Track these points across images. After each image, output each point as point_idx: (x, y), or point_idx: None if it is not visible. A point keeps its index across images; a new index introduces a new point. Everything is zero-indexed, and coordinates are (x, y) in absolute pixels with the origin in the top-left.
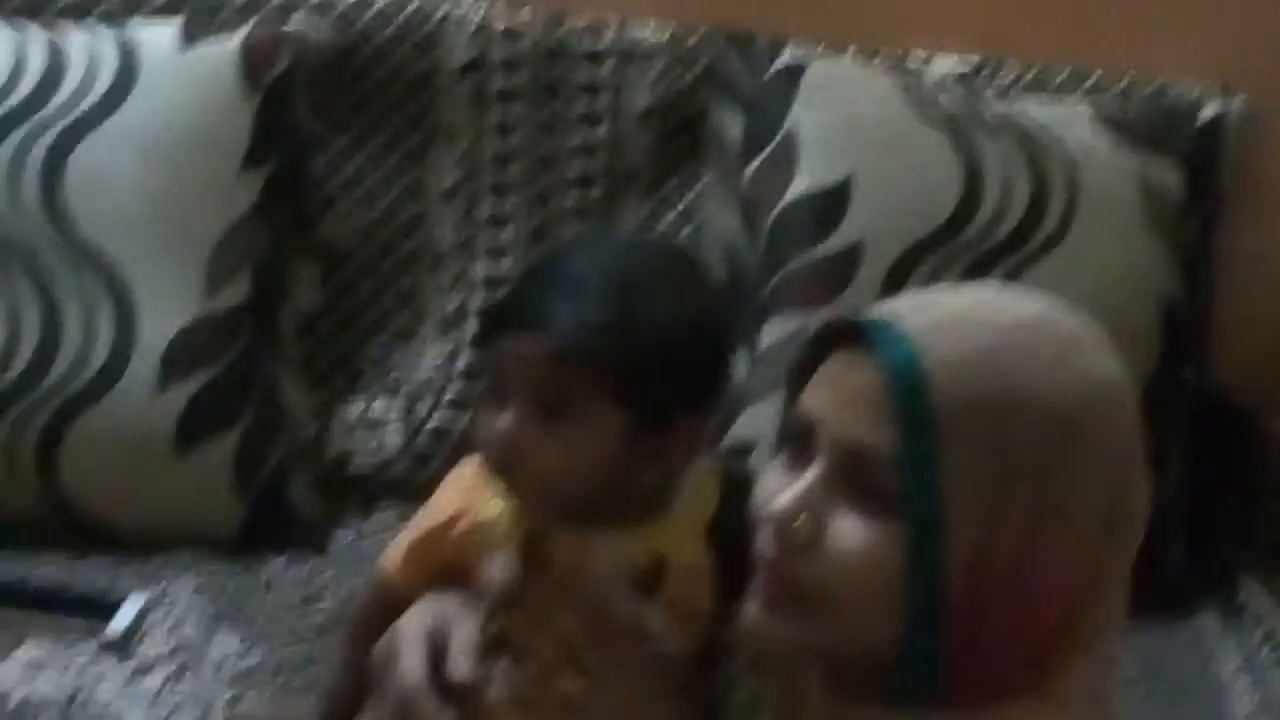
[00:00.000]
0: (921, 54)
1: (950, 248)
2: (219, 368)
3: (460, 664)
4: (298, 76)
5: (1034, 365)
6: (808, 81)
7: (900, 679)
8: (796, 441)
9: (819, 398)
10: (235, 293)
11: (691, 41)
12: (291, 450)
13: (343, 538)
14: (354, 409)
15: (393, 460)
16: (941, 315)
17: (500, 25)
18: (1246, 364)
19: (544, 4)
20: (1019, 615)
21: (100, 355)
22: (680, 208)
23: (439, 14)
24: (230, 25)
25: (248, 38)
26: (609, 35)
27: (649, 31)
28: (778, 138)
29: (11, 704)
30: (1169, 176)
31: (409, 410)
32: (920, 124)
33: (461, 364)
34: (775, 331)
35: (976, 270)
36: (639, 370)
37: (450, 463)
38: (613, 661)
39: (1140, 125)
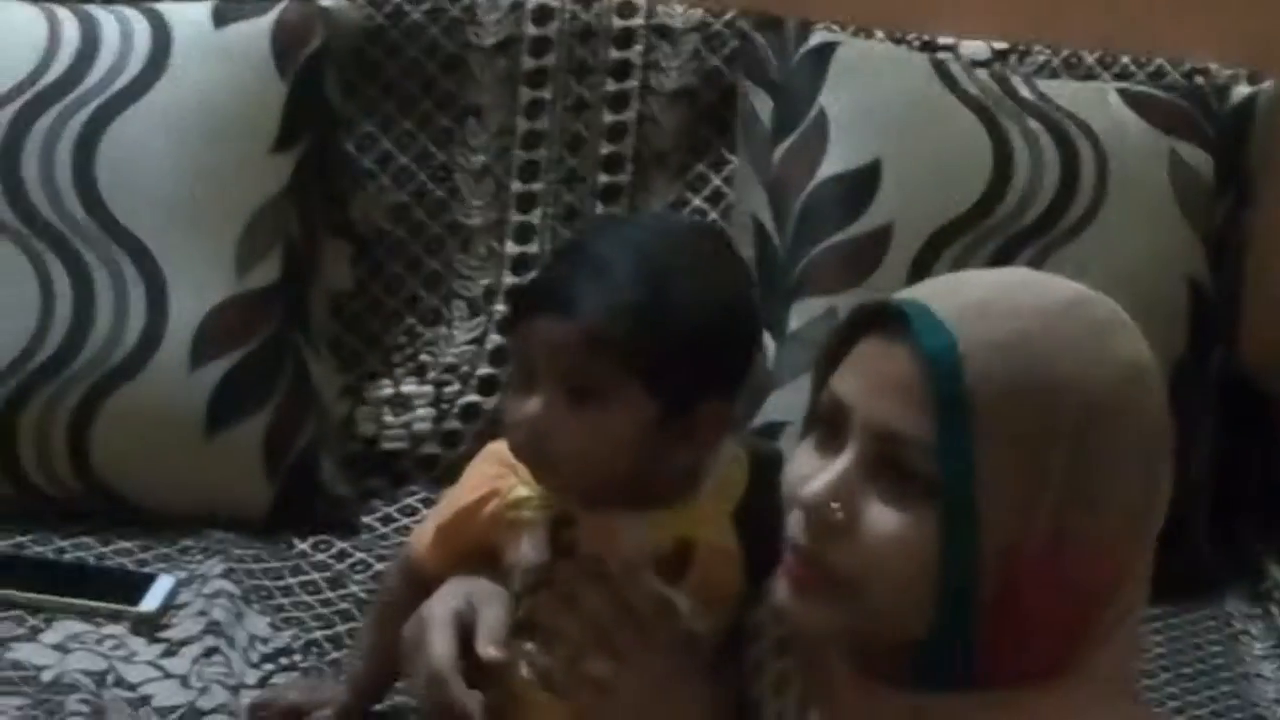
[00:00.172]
0: (950, 36)
1: (979, 230)
2: (249, 348)
3: (488, 646)
4: (329, 56)
5: (1068, 350)
6: (837, 63)
7: (930, 662)
8: (827, 425)
9: (852, 383)
10: (266, 272)
11: (721, 23)
12: (321, 430)
13: (372, 518)
14: (384, 389)
15: (422, 440)
16: (974, 300)
17: (531, 5)
18: (1275, 347)
19: None
20: (1050, 599)
21: (131, 335)
22: (709, 189)
23: None
24: (262, 5)
25: (280, 17)
26: (639, 16)
27: (679, 13)
28: (807, 119)
29: (42, 683)
30: (1198, 159)
31: (438, 391)
32: (950, 106)
33: (491, 344)
34: (804, 313)
35: (1005, 253)
36: (667, 354)
37: (480, 443)
38: (640, 643)
39: (1169, 108)
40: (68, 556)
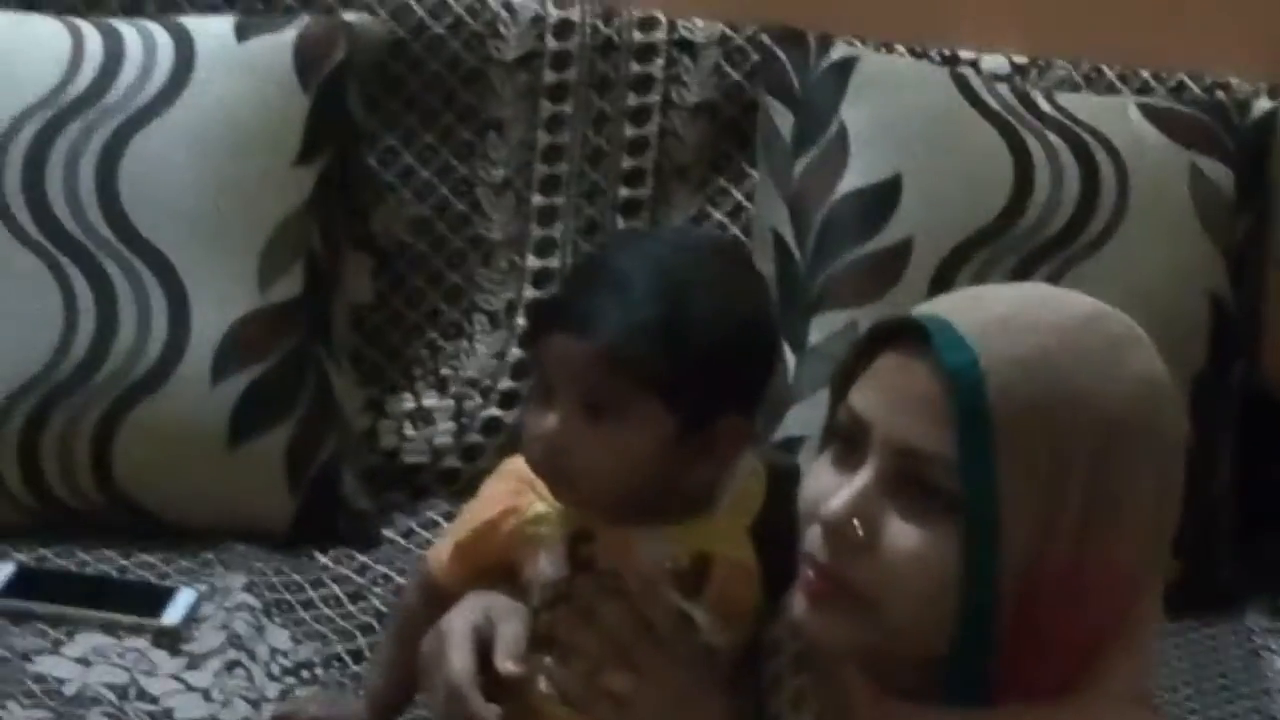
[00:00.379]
0: (971, 50)
1: (1000, 244)
2: (271, 361)
3: (506, 661)
4: (352, 70)
5: (1088, 366)
6: (858, 77)
7: (949, 678)
8: (845, 441)
9: (871, 398)
10: (288, 286)
11: (742, 37)
12: (343, 444)
13: (393, 532)
14: (405, 403)
15: (443, 454)
16: (994, 315)
17: (553, 19)
18: None
19: None
20: (1070, 614)
21: (154, 349)
22: (730, 203)
23: (492, 8)
24: (285, 19)
25: (303, 31)
26: (661, 30)
27: (700, 27)
28: (828, 133)
29: (65, 696)
30: (1219, 174)
31: (459, 404)
32: (971, 120)
33: (512, 358)
34: (824, 328)
35: (1026, 267)
36: (686, 371)
37: (500, 457)
38: (659, 658)
39: (1190, 122)
40: (90, 569)
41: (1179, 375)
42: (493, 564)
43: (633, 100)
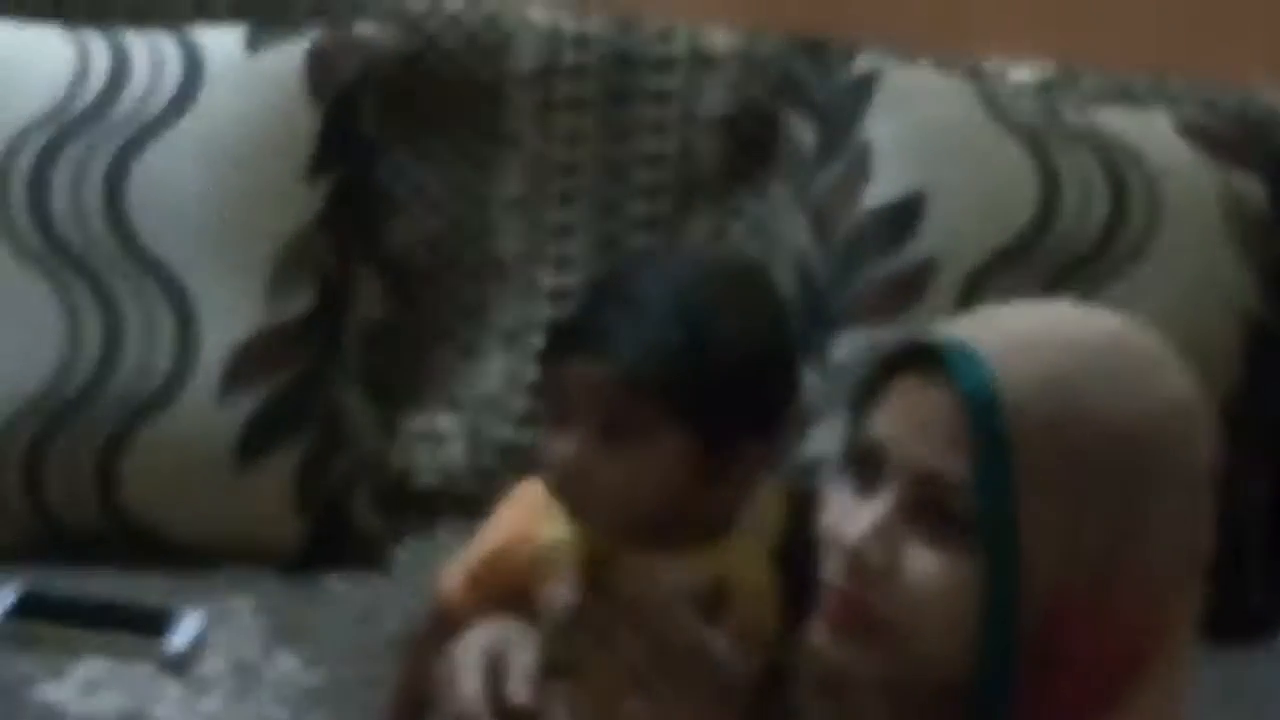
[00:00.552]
0: (997, 63)
1: (1026, 261)
2: (281, 380)
3: (520, 687)
4: (364, 83)
5: (1111, 388)
6: (882, 90)
7: (971, 705)
8: (864, 465)
9: (888, 423)
10: (299, 303)
11: (763, 49)
12: (354, 465)
13: (404, 555)
14: (417, 423)
15: (456, 475)
16: (1015, 336)
17: (569, 32)
18: None
19: (614, 11)
20: (1095, 641)
21: (161, 367)
22: (750, 218)
23: (507, 21)
24: (296, 31)
25: (314, 43)
26: (679, 42)
27: (720, 39)
28: (850, 147)
29: None
30: (1253, 189)
31: (473, 424)
32: (996, 134)
33: (527, 378)
34: (846, 346)
35: (1053, 284)
36: (706, 395)
37: (514, 479)
38: (676, 684)
39: (1224, 136)
40: (95, 592)
41: (1211, 395)
42: (506, 590)
43: (651, 113)
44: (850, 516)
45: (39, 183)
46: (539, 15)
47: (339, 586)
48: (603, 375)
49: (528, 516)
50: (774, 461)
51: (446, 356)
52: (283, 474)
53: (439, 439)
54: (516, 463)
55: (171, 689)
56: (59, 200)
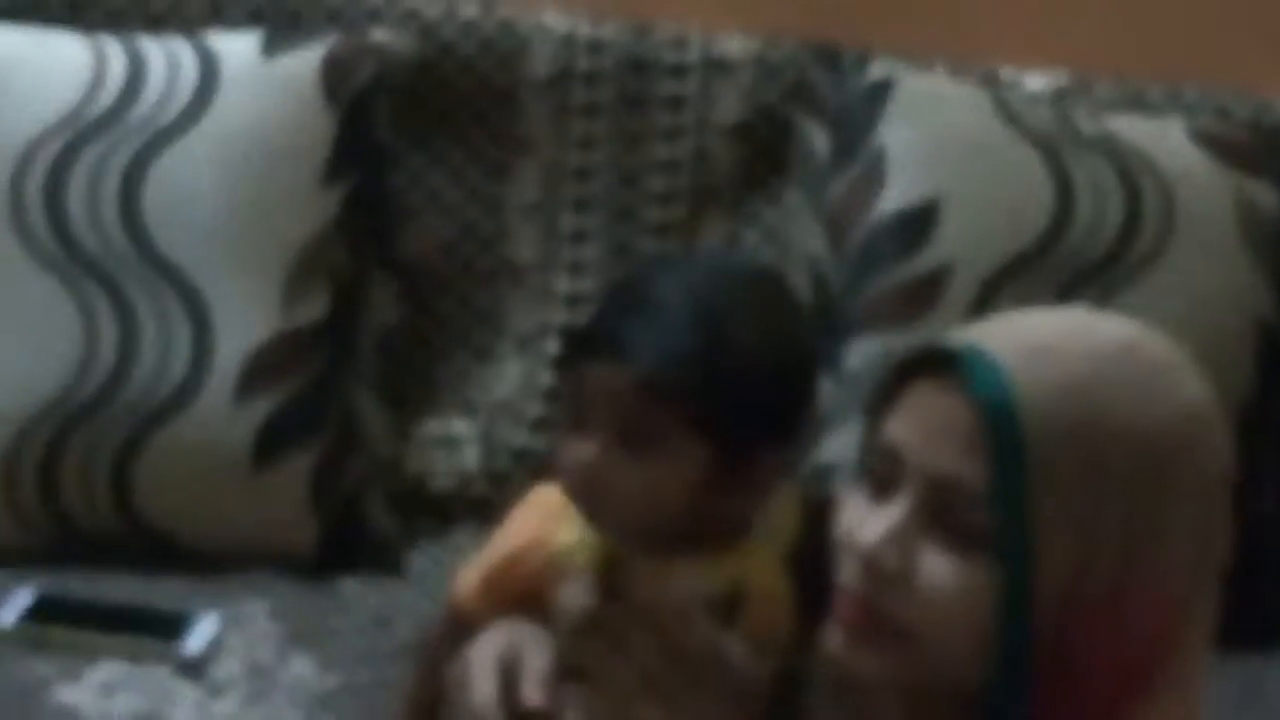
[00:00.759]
0: (1011, 70)
1: (1040, 268)
2: (296, 385)
3: (534, 691)
4: (379, 89)
5: (1127, 394)
6: (896, 97)
7: (987, 711)
8: (880, 471)
9: (905, 428)
10: (313, 308)
11: (777, 55)
12: (368, 469)
13: (419, 559)
14: (432, 428)
15: (471, 480)
16: (1030, 342)
17: (584, 38)
18: None
19: (628, 17)
20: (1110, 648)
21: (177, 371)
22: (764, 224)
23: (522, 26)
24: (312, 36)
25: (330, 49)
26: (694, 49)
27: (734, 45)
28: (865, 154)
29: None
30: (1267, 196)
31: (487, 430)
32: (1011, 141)
33: (541, 383)
34: (860, 353)
35: (1067, 292)
36: (724, 401)
37: (529, 484)
38: (691, 690)
39: (1237, 144)
40: (110, 596)
41: (1225, 402)
42: (521, 594)
43: (665, 120)
44: (866, 522)
45: (55, 188)
46: (554, 21)
47: (354, 590)
48: (621, 380)
49: (543, 521)
50: (791, 467)
51: (461, 361)
52: (298, 478)
53: (453, 443)
54: (531, 467)
55: (187, 692)
56: (75, 205)
